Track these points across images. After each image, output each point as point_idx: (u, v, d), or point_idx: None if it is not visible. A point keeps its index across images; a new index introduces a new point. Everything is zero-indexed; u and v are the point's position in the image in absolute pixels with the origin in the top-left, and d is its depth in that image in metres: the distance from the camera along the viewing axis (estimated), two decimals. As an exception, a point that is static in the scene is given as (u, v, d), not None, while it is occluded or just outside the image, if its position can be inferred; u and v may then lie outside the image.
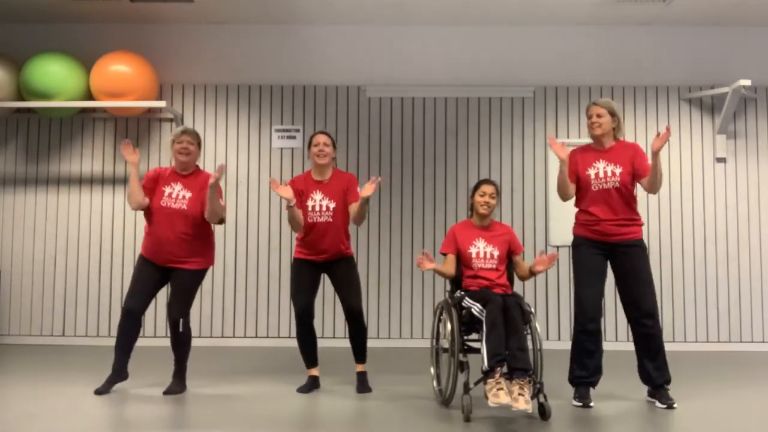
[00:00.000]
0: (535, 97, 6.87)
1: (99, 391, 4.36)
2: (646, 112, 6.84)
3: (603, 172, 4.18)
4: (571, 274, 4.36)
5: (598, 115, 4.24)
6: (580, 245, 4.27)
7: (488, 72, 6.85)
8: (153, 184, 4.48)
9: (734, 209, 6.74)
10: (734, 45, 6.85)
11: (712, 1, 6.29)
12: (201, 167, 4.64)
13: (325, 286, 4.93)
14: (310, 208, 4.49)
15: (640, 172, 4.19)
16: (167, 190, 4.45)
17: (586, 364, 4.18)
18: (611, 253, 4.21)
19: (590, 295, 4.17)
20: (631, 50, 6.86)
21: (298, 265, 4.60)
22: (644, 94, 6.86)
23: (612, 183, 4.16)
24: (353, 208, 4.47)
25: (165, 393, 4.39)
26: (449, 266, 4.30)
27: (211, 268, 4.69)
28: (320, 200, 4.49)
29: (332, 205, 4.49)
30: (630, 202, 4.20)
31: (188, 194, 4.44)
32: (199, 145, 4.55)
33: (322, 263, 4.57)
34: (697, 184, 6.78)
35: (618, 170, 4.17)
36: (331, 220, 4.48)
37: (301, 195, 4.52)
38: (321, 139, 4.55)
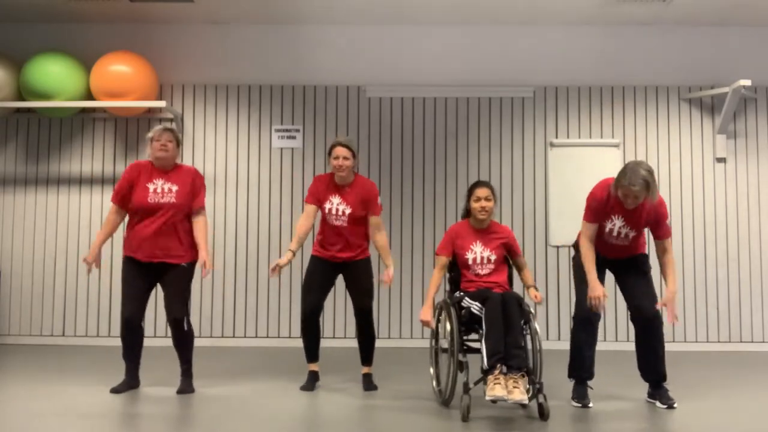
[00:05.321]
0: (535, 97, 6.86)
1: (115, 390, 4.38)
2: (646, 112, 6.84)
3: (617, 230, 4.16)
4: (571, 273, 4.36)
5: (636, 196, 4.08)
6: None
7: (488, 72, 6.85)
8: (134, 180, 4.41)
9: (734, 209, 6.74)
10: (734, 45, 6.85)
11: (712, 1, 6.28)
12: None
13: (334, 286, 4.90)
14: (327, 211, 4.56)
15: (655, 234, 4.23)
16: (151, 186, 4.39)
17: (584, 356, 4.16)
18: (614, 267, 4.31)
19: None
20: (631, 50, 6.85)
21: (313, 263, 4.64)
22: (644, 94, 6.86)
23: (621, 240, 4.20)
24: (375, 223, 4.60)
25: (179, 392, 4.40)
26: (438, 274, 4.39)
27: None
28: (337, 204, 4.54)
29: (348, 211, 4.53)
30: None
31: (174, 187, 4.39)
32: (178, 143, 4.51)
33: (338, 263, 4.61)
34: (697, 184, 6.78)
35: (631, 234, 4.17)
36: (345, 224, 4.54)
37: (321, 197, 4.58)
38: (341, 152, 4.50)
